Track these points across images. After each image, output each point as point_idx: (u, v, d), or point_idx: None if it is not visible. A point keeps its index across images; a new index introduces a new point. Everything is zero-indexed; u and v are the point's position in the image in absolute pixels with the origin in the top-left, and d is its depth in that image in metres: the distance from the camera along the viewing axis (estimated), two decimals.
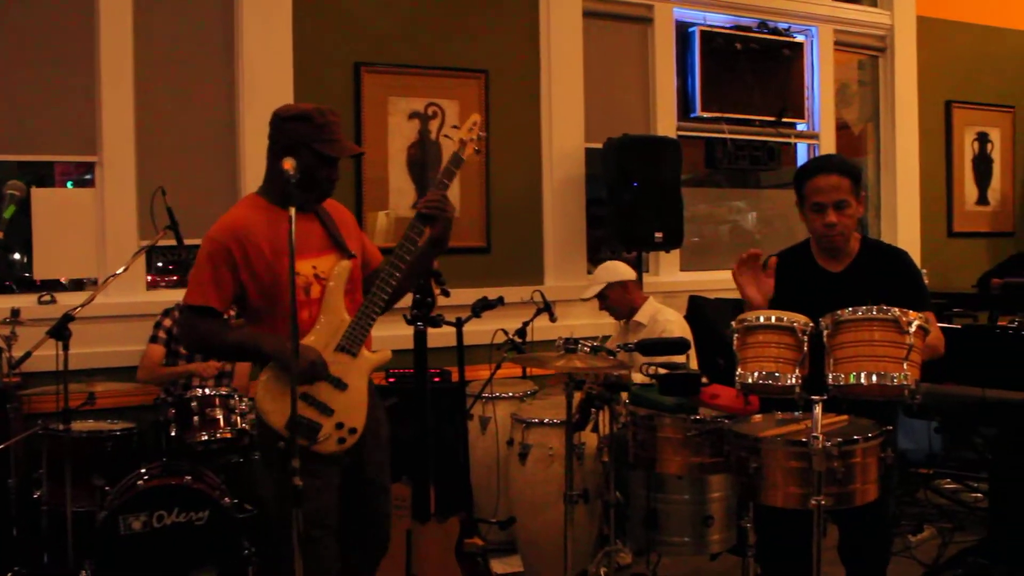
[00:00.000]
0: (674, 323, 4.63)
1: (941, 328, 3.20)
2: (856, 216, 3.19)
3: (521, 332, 4.42)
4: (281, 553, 2.74)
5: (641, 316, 4.66)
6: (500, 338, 4.40)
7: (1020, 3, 8.16)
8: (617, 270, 4.71)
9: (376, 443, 3.02)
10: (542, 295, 4.60)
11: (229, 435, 4.08)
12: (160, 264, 5.28)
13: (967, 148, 7.86)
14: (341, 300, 2.85)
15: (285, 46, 5.03)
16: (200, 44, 4.99)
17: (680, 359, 3.64)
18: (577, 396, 3.56)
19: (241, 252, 2.82)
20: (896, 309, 2.68)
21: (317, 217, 2.94)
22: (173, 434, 4.03)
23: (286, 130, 2.85)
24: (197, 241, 4.75)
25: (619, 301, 4.69)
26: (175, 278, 5.39)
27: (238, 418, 4.11)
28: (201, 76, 4.99)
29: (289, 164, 2.63)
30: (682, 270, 6.37)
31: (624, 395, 3.58)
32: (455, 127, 2.98)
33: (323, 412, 2.81)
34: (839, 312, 2.75)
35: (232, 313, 4.54)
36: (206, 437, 4.04)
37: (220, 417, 4.09)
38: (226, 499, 3.83)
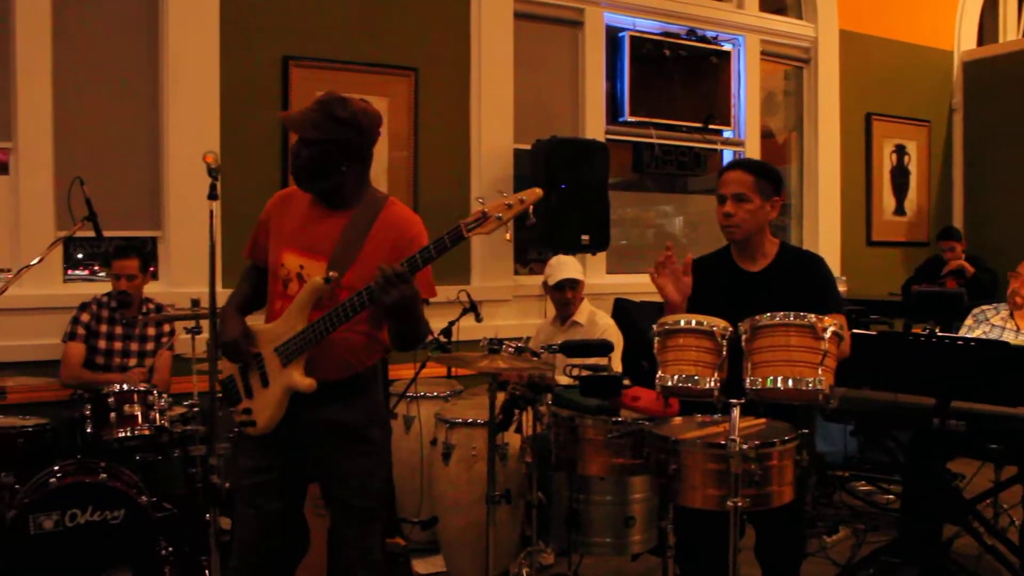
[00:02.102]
0: (612, 327, 4.68)
1: (858, 334, 3.28)
2: (759, 215, 3.25)
3: (446, 332, 4.40)
4: None
5: (579, 316, 4.71)
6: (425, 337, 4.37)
7: (937, 22, 8.43)
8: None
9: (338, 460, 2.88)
10: (468, 295, 4.58)
11: (147, 432, 3.98)
12: (80, 256, 5.14)
13: (886, 160, 8.10)
14: (305, 310, 2.76)
15: (212, 38, 4.94)
16: (123, 33, 4.87)
17: (603, 361, 3.66)
18: (500, 397, 3.56)
19: (270, 221, 2.90)
20: (812, 316, 2.73)
21: (351, 221, 2.81)
22: (89, 431, 3.93)
23: None
24: (117, 233, 4.75)
25: (578, 297, 4.73)
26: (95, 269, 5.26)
27: (157, 415, 4.01)
28: (124, 66, 4.87)
29: (210, 158, 2.60)
30: (608, 273, 6.42)
31: (548, 396, 3.59)
32: (502, 193, 2.57)
33: (245, 391, 2.85)
34: (757, 317, 2.79)
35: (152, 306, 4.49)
36: (123, 434, 3.94)
37: (138, 413, 3.99)
38: (143, 498, 3.72)
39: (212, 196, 2.57)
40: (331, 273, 2.72)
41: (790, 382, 2.70)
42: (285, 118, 2.86)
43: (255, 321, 2.92)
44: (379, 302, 2.59)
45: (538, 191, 2.55)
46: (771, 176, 3.31)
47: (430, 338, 4.32)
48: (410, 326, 2.75)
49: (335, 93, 2.79)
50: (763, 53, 7.26)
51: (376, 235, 2.79)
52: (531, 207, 2.54)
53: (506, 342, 3.55)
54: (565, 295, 4.73)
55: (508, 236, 2.62)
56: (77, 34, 4.74)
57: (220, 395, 2.87)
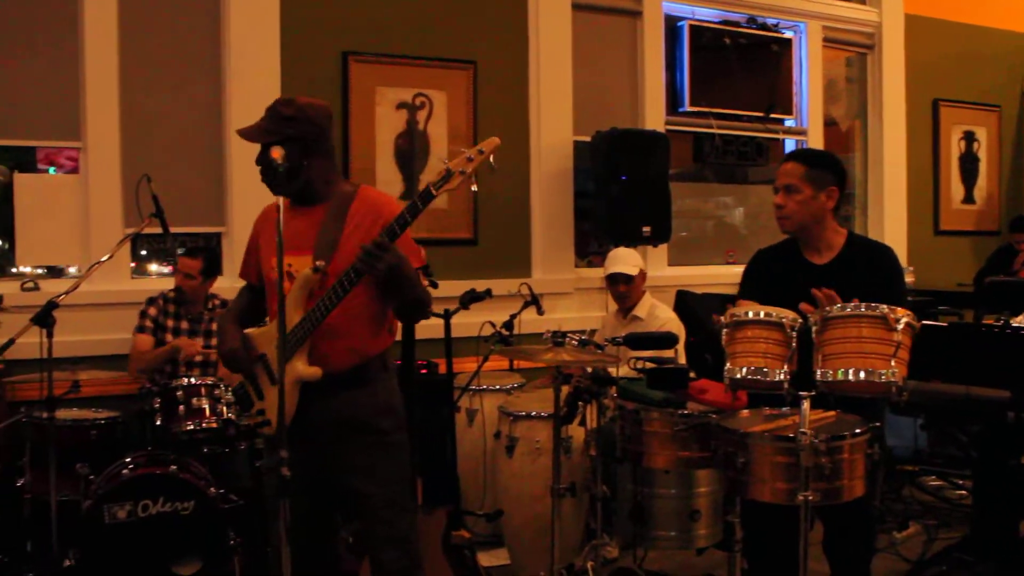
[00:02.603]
0: (672, 320, 4.63)
1: (929, 326, 3.21)
2: (811, 205, 3.23)
3: (508, 325, 4.40)
4: None
5: (639, 310, 4.67)
6: (487, 330, 4.37)
7: (1007, 3, 8.18)
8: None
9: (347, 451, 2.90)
10: (530, 288, 4.58)
11: (215, 425, 4.03)
12: (144, 252, 5.24)
13: (954, 147, 7.88)
14: (300, 303, 2.82)
15: (272, 34, 4.98)
16: (187, 32, 4.94)
17: (668, 353, 3.63)
18: (565, 389, 3.54)
19: (260, 239, 3.01)
20: (884, 306, 2.69)
21: (326, 213, 2.88)
22: (158, 423, 3.99)
23: None
24: (183, 229, 4.82)
25: (636, 290, 4.71)
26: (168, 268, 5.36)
27: (224, 408, 4.06)
28: (187, 64, 4.94)
29: (277, 153, 2.63)
30: (670, 265, 6.36)
31: (612, 389, 3.56)
32: (463, 150, 2.68)
33: (257, 394, 2.96)
34: (828, 308, 2.76)
35: (217, 302, 4.57)
36: (192, 427, 4.00)
37: (206, 406, 4.05)
38: (211, 489, 3.77)
39: (280, 194, 2.59)
40: (317, 263, 2.79)
41: (862, 374, 2.66)
42: (241, 134, 2.89)
43: None
44: (371, 274, 2.66)
45: (495, 140, 2.65)
46: (827, 165, 3.29)
47: (492, 331, 4.34)
48: (407, 292, 2.81)
49: (281, 98, 2.93)
50: (825, 39, 7.12)
51: (353, 220, 2.85)
52: (491, 156, 2.64)
53: (570, 334, 3.53)
54: (618, 288, 4.72)
55: (474, 187, 2.71)
56: (142, 35, 4.80)
57: (236, 403, 3.00)
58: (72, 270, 4.83)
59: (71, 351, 4.16)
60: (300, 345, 2.80)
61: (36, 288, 4.51)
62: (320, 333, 2.79)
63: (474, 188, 2.72)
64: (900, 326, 2.66)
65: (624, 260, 4.73)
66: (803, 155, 3.33)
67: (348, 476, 2.89)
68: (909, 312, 2.72)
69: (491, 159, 2.64)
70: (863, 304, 2.72)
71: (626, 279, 4.67)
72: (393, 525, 2.92)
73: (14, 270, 4.78)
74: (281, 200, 2.55)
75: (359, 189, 2.94)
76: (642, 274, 4.73)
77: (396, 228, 2.66)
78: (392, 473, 2.92)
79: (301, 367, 2.81)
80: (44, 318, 3.57)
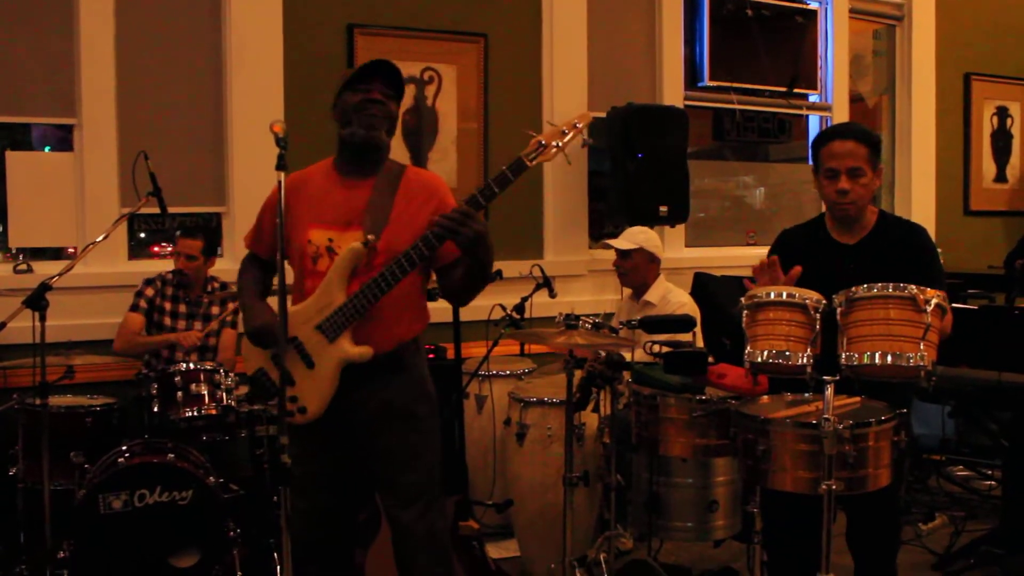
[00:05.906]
0: (686, 305, 4.48)
1: (959, 308, 3.16)
2: (871, 187, 3.14)
3: (519, 308, 4.33)
4: None
5: (651, 295, 4.48)
6: (498, 314, 4.29)
7: None
8: (655, 242, 4.52)
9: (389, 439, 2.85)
10: (541, 270, 4.47)
11: (214, 411, 3.98)
12: (143, 235, 5.15)
13: (986, 123, 7.73)
14: (342, 281, 2.73)
15: (275, 6, 4.87)
16: (186, 6, 4.83)
17: (685, 337, 3.53)
18: (578, 374, 3.47)
19: (288, 207, 2.78)
20: (913, 287, 2.61)
21: (375, 187, 2.81)
22: (156, 410, 3.94)
23: (336, 101, 2.84)
24: (181, 209, 4.72)
25: (639, 270, 4.48)
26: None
27: (224, 394, 4.00)
28: (186, 37, 4.84)
29: (278, 127, 2.52)
30: (687, 246, 6.26)
31: (626, 374, 3.49)
32: (551, 124, 2.68)
33: (286, 378, 2.76)
34: (853, 289, 2.69)
35: (216, 284, 4.48)
36: (190, 413, 3.94)
37: (205, 393, 3.99)
38: (210, 478, 3.73)
39: (280, 167, 2.50)
40: (368, 237, 2.70)
41: (889, 358, 2.59)
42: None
43: None
44: (455, 240, 2.60)
45: (589, 114, 2.67)
46: (878, 144, 3.19)
47: (502, 315, 4.25)
48: (485, 267, 2.74)
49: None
50: (852, 11, 6.95)
51: (403, 196, 2.81)
52: (586, 130, 2.65)
53: (583, 317, 3.44)
54: (619, 263, 4.51)
55: (569, 161, 2.76)
56: (139, 8, 4.71)
57: (253, 390, 2.95)
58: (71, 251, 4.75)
59: (65, 335, 4.11)
60: (346, 327, 2.72)
61: (29, 270, 4.48)
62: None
63: (569, 163, 2.77)
64: (929, 308, 2.58)
65: (623, 235, 4.56)
66: (861, 134, 3.15)
67: (382, 464, 2.85)
68: (940, 293, 2.63)
69: (585, 133, 2.65)
70: (890, 284, 2.63)
71: (622, 254, 4.47)
72: (426, 521, 2.86)
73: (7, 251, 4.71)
74: (282, 175, 2.49)
75: (407, 168, 2.91)
76: (643, 252, 4.46)
77: (480, 199, 2.63)
78: (427, 461, 2.89)
79: (348, 347, 2.73)
80: (37, 301, 3.48)
